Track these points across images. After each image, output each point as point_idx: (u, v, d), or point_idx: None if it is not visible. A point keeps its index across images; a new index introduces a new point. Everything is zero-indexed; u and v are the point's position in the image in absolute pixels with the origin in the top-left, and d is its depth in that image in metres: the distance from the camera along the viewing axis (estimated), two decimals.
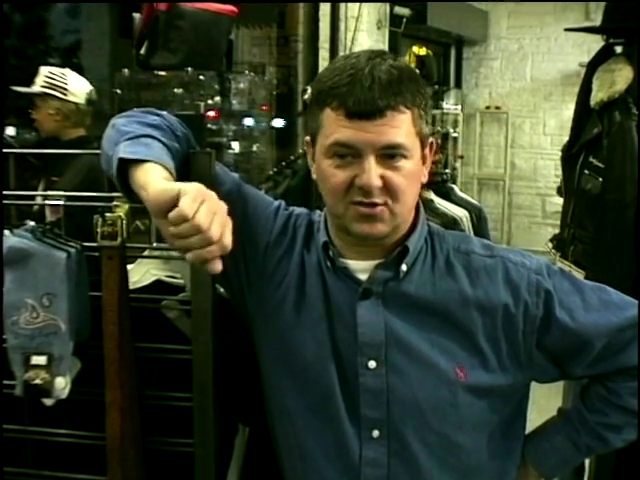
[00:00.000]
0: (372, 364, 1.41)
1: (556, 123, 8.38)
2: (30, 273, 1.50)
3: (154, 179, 1.22)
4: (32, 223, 1.52)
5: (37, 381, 1.54)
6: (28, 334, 1.52)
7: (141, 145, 1.30)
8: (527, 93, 8.55)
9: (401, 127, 1.32)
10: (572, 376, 1.52)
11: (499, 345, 1.42)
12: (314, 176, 1.42)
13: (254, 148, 4.36)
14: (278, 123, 5.46)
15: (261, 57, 6.22)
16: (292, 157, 4.91)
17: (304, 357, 1.46)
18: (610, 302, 1.47)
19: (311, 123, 1.40)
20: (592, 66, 3.05)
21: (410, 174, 1.35)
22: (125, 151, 1.28)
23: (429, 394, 1.41)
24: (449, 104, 8.40)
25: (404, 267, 1.42)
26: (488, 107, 8.68)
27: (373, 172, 1.31)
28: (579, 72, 7.80)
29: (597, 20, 3.26)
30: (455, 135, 8.45)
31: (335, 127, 1.32)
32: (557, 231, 3.55)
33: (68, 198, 1.58)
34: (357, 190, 1.33)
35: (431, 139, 1.43)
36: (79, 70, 6.02)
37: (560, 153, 7.48)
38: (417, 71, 1.44)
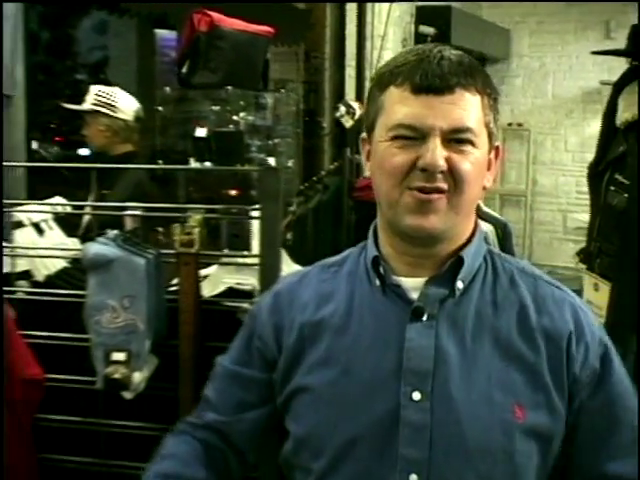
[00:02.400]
0: (417, 395, 1.20)
1: (577, 140, 8.47)
2: (112, 277, 1.65)
3: None
4: (115, 231, 1.67)
5: (116, 376, 1.69)
6: (109, 333, 1.67)
7: None
8: (549, 110, 8.64)
9: (471, 110, 1.19)
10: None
11: (562, 379, 1.23)
12: (368, 173, 1.29)
13: (289, 164, 4.49)
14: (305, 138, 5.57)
15: (288, 74, 6.34)
16: (323, 172, 5.06)
17: (343, 386, 1.26)
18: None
19: (369, 112, 1.27)
20: (618, 87, 3.18)
21: (477, 163, 1.21)
22: None
23: (480, 435, 1.19)
24: None
25: (460, 284, 1.26)
26: (510, 124, 8.77)
27: (438, 152, 1.16)
28: (600, 90, 7.94)
29: (617, 38, 3.39)
30: None
31: (399, 106, 1.19)
32: (578, 247, 3.65)
33: (145, 209, 1.73)
34: (418, 173, 1.18)
35: (498, 143, 1.29)
36: (107, 86, 6.18)
37: (581, 170, 7.61)
38: None
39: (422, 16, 6.72)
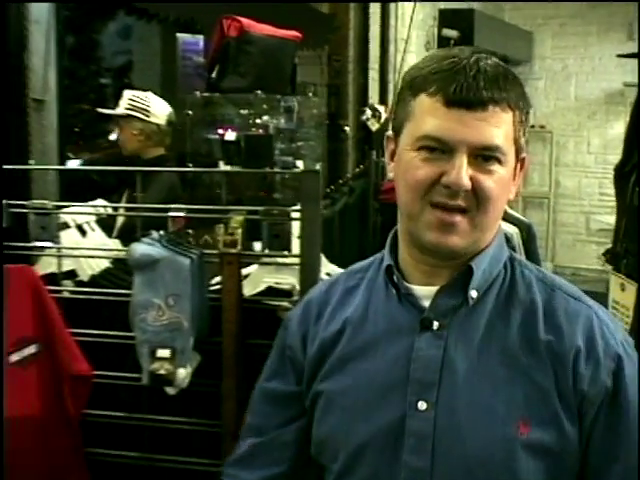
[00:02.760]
0: (422, 405, 1.20)
1: (600, 142, 8.49)
2: (158, 276, 1.71)
3: None
4: (161, 232, 1.73)
5: (161, 372, 1.74)
6: (155, 330, 1.73)
7: None
8: (571, 112, 8.66)
9: (501, 127, 1.16)
10: None
11: (569, 397, 1.19)
12: (390, 174, 1.27)
13: (317, 167, 4.52)
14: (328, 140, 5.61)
15: (311, 77, 6.38)
16: (348, 175, 5.11)
17: (355, 392, 1.27)
18: None
19: (399, 113, 1.24)
20: None
21: (502, 182, 1.19)
22: None
23: (481, 448, 1.18)
24: None
25: (474, 293, 1.24)
26: (533, 126, 8.77)
27: (464, 171, 1.14)
28: (622, 91, 7.95)
29: None
30: None
31: (429, 116, 1.16)
32: (601, 249, 3.68)
33: (189, 210, 1.79)
34: (441, 189, 1.16)
35: (524, 154, 1.26)
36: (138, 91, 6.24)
37: (604, 171, 7.60)
38: None
39: (445, 19, 6.76)
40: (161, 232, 1.73)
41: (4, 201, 1.90)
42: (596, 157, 8.53)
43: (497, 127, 1.16)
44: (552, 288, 1.27)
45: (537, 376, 1.19)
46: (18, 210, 1.90)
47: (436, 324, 1.23)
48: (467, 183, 1.14)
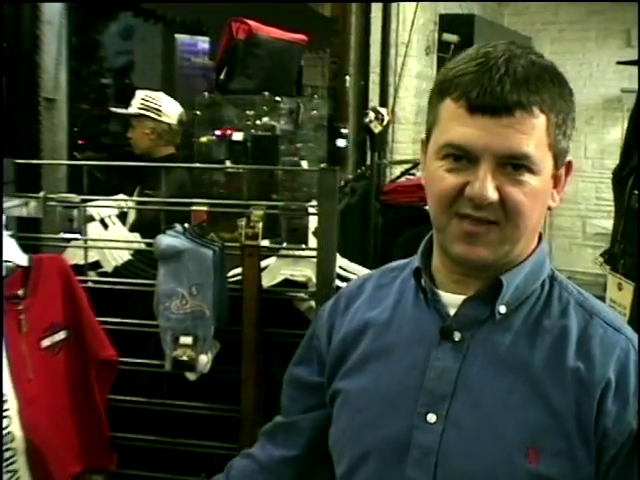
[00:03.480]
0: (431, 418, 1.16)
1: (597, 147, 8.59)
2: (182, 267, 1.80)
3: None
4: (186, 225, 1.82)
5: (184, 358, 1.83)
6: (178, 318, 1.82)
7: None
8: None
9: (531, 134, 1.09)
10: None
11: (589, 430, 1.11)
12: (423, 182, 1.22)
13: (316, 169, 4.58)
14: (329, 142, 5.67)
15: (313, 80, 6.44)
16: (350, 176, 5.19)
17: (369, 395, 1.26)
18: None
19: (429, 117, 1.20)
20: None
21: (534, 193, 1.11)
22: None
23: (485, 470, 1.12)
24: None
25: (502, 309, 1.18)
26: None
27: (488, 182, 1.08)
28: (620, 97, 8.05)
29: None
30: None
31: (452, 123, 1.11)
32: (597, 252, 3.77)
33: (210, 205, 1.89)
34: (467, 201, 1.10)
35: (569, 158, 1.20)
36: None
37: (601, 176, 7.67)
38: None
39: (445, 24, 6.85)
40: (185, 225, 1.81)
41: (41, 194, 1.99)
42: (593, 162, 8.62)
43: (526, 134, 1.09)
44: (590, 314, 1.19)
45: (557, 404, 1.12)
46: (52, 204, 1.98)
47: (457, 335, 1.19)
48: (491, 195, 1.09)
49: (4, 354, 1.71)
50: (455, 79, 1.12)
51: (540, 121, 1.10)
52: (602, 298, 3.25)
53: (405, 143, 6.19)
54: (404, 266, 1.35)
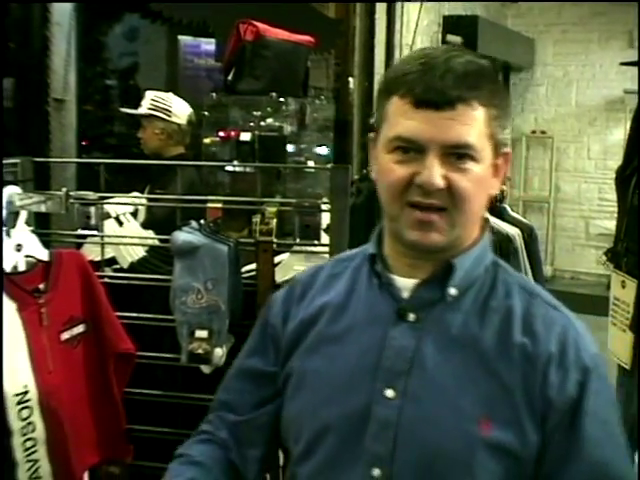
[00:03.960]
0: (389, 393, 1.23)
1: (600, 148, 8.65)
2: (198, 262, 1.85)
3: None
4: (201, 222, 1.87)
5: (199, 351, 1.88)
6: (194, 312, 1.87)
7: None
8: (572, 118, 8.80)
9: (472, 125, 1.18)
10: None
11: (535, 401, 1.20)
12: (373, 175, 1.30)
13: (329, 167, 4.62)
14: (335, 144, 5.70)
15: (317, 81, 6.46)
16: (355, 177, 5.22)
17: (326, 374, 1.30)
18: (624, 447, 1.25)
19: (377, 116, 1.27)
20: None
21: (478, 180, 1.20)
22: None
23: (442, 441, 1.20)
24: None
25: (453, 291, 1.26)
26: (534, 131, 8.92)
27: (435, 170, 1.16)
28: (623, 98, 8.10)
29: None
30: None
31: (400, 118, 1.19)
32: (600, 253, 3.80)
33: (225, 202, 1.93)
34: (416, 189, 1.18)
35: (507, 149, 1.29)
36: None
37: (604, 177, 7.70)
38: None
39: (449, 25, 6.90)
40: (201, 221, 1.86)
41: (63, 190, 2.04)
42: (596, 163, 8.68)
43: (468, 125, 1.18)
44: (532, 295, 1.29)
45: (505, 377, 1.20)
46: (78, 201, 2.02)
47: (412, 316, 1.26)
48: (439, 182, 1.17)
49: (25, 347, 1.76)
50: (400, 78, 1.20)
51: (479, 113, 1.19)
52: (605, 298, 3.30)
53: None
54: (354, 256, 1.42)
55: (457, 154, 1.18)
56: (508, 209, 5.16)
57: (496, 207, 4.94)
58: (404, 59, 1.27)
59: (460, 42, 6.98)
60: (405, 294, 1.27)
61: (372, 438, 1.22)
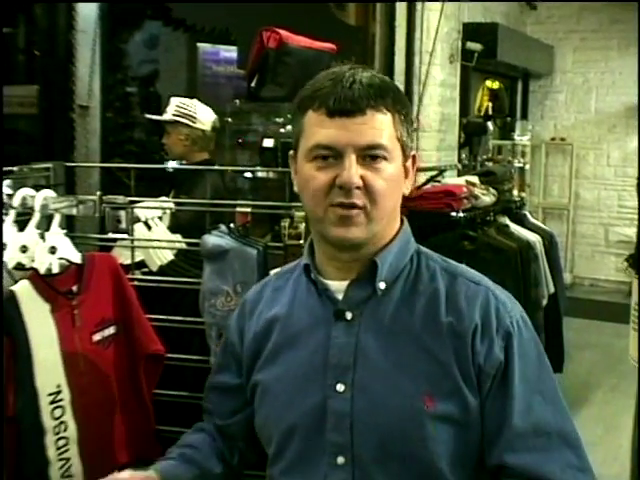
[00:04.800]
0: (340, 387, 1.35)
1: (619, 155, 8.63)
2: (227, 265, 1.88)
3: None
4: (231, 225, 1.90)
5: None
6: (223, 315, 1.90)
7: None
8: (591, 125, 8.79)
9: (382, 128, 1.31)
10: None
11: (469, 371, 1.33)
12: (296, 188, 1.42)
13: None
14: None
15: None
16: None
17: (285, 380, 1.44)
18: (558, 401, 1.38)
19: (294, 132, 1.39)
20: None
21: (391, 178, 1.33)
22: None
23: (393, 422, 1.32)
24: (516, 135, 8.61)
25: (382, 285, 1.38)
26: (553, 139, 8.92)
27: (354, 170, 1.28)
28: None
29: None
30: (520, 165, 8.49)
31: (316, 128, 1.31)
32: (620, 260, 3.82)
33: (253, 207, 1.96)
34: (337, 191, 1.30)
35: (413, 152, 1.41)
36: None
37: (623, 184, 7.68)
38: (400, 87, 1.42)
39: (469, 33, 6.89)
40: (230, 225, 1.89)
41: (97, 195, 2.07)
42: (615, 170, 8.66)
43: (378, 128, 1.31)
44: (454, 275, 1.41)
45: (439, 355, 1.33)
46: (109, 205, 2.06)
47: (349, 314, 1.38)
48: (357, 181, 1.29)
49: (57, 347, 1.79)
50: (313, 94, 1.33)
51: (388, 118, 1.33)
52: (625, 305, 3.30)
53: (430, 150, 6.24)
54: (294, 268, 1.54)
55: (371, 155, 1.31)
56: (529, 216, 5.19)
57: (517, 214, 4.97)
58: (315, 79, 1.36)
59: (480, 49, 6.99)
60: (340, 296, 1.40)
61: (332, 430, 1.35)
